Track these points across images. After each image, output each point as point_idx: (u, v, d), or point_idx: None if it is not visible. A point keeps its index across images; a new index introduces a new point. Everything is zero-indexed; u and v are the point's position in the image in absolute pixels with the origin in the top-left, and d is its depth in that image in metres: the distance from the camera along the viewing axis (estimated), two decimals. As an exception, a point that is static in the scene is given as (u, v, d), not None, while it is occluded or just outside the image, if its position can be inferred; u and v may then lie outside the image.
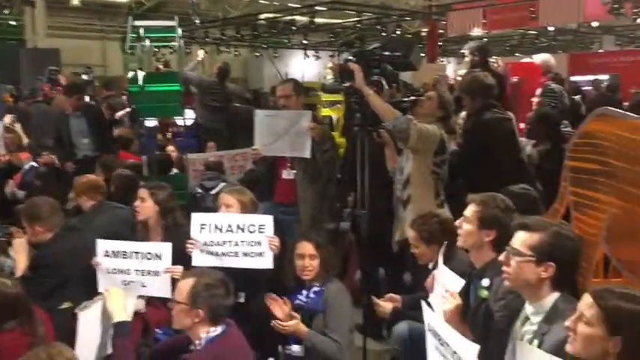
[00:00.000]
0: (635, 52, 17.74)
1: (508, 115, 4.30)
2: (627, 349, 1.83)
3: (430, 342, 2.47)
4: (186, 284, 2.80)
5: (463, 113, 4.44)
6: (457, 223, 2.94)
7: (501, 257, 2.42)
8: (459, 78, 6.90)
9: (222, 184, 5.62)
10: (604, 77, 15.74)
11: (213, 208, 5.09)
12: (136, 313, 3.56)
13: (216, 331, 2.76)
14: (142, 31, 5.72)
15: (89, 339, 3.04)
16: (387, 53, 3.75)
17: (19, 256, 3.73)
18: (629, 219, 2.54)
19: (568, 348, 1.93)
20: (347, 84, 3.85)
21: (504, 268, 2.39)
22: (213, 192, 5.56)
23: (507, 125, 4.20)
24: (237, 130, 7.25)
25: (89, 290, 3.50)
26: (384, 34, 17.63)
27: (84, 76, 9.69)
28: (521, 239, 2.36)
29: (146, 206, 3.78)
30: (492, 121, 4.09)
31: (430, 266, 3.26)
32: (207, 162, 5.79)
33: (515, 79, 6.16)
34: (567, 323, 1.95)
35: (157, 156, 5.78)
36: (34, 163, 6.59)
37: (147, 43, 5.75)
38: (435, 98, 3.86)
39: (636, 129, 2.49)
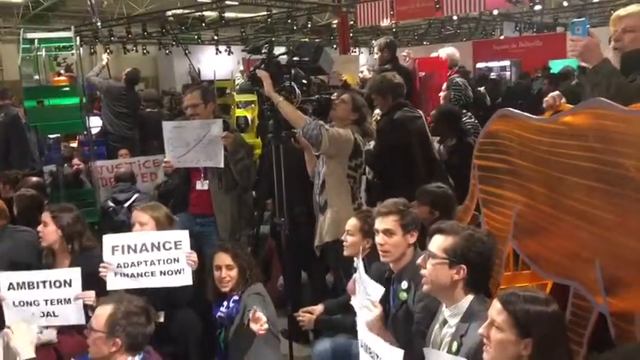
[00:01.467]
0: (533, 37, 18.71)
1: (418, 113, 4.40)
2: (538, 350, 1.91)
3: (362, 357, 2.51)
4: (104, 311, 2.68)
5: (377, 111, 4.50)
6: (379, 240, 2.96)
7: (419, 260, 2.47)
8: (366, 72, 7.07)
9: (136, 195, 5.44)
10: (506, 63, 16.56)
11: (127, 222, 4.93)
12: (48, 344, 3.41)
13: (135, 357, 2.67)
14: (36, 42, 5.38)
15: None
16: (295, 59, 3.71)
17: None
18: (533, 215, 2.66)
19: (485, 357, 1.99)
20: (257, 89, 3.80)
21: (422, 271, 2.44)
22: (127, 204, 5.37)
23: (418, 123, 4.29)
24: (148, 136, 7.03)
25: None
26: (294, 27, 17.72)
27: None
28: (436, 243, 2.42)
29: (49, 231, 3.58)
30: (403, 119, 4.16)
31: (355, 260, 3.28)
32: (118, 173, 5.56)
33: (423, 73, 6.31)
34: (480, 330, 2.01)
35: (63, 170, 5.47)
36: None
37: (42, 53, 5.42)
38: (349, 101, 3.88)
39: (537, 129, 2.60)
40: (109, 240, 3.43)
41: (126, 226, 4.41)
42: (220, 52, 21.07)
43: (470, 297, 2.38)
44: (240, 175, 4.18)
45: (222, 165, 4.13)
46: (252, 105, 7.65)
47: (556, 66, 11.52)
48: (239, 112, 7.88)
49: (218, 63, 17.78)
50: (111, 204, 5.38)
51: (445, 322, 2.43)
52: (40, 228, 3.59)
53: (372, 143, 4.16)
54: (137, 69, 7.79)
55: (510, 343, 1.93)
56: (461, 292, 2.39)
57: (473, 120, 5.18)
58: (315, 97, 3.85)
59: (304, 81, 3.76)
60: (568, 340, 2.09)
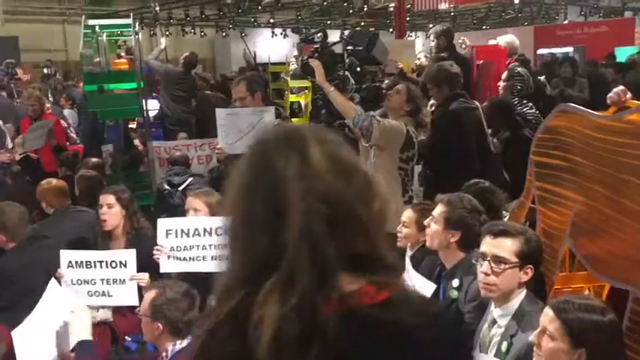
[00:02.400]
0: (598, 23, 17.93)
1: (475, 105, 4.29)
2: (592, 361, 1.85)
3: None
4: (149, 296, 2.77)
5: (431, 102, 4.42)
6: (425, 222, 2.94)
7: (484, 269, 2.36)
8: (423, 59, 6.93)
9: (190, 178, 5.52)
10: (569, 50, 15.93)
11: (182, 205, 5.03)
12: (103, 323, 3.54)
13: (182, 344, 2.74)
14: (97, 28, 5.51)
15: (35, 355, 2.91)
16: (349, 48, 3.68)
17: None
18: (592, 216, 2.56)
19: None
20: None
21: (490, 278, 2.34)
22: (181, 188, 5.46)
23: (474, 115, 4.19)
24: (207, 118, 7.12)
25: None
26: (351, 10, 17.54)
27: (45, 70, 9.39)
28: (505, 246, 2.34)
29: (114, 212, 3.66)
30: (459, 111, 4.07)
31: (408, 251, 3.23)
32: (173, 157, 5.66)
33: (480, 62, 6.15)
34: (531, 338, 1.96)
35: (129, 152, 5.62)
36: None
37: (103, 37, 5.55)
38: (403, 92, 3.81)
39: (600, 127, 2.49)
40: (163, 223, 3.52)
41: (180, 210, 4.50)
42: (276, 34, 21.12)
43: (521, 296, 2.33)
44: None
45: None
46: (306, 90, 7.64)
47: (622, 54, 10.98)
48: (293, 98, 7.88)
49: (273, 46, 17.84)
50: (166, 187, 5.49)
51: (494, 321, 2.38)
52: (104, 210, 3.66)
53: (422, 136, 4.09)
54: (195, 53, 7.91)
55: (563, 353, 1.87)
56: (517, 292, 2.34)
57: (534, 111, 5.01)
58: (364, 86, 3.81)
59: (358, 69, 3.72)
60: (624, 350, 2.01)
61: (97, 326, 3.47)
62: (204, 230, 3.47)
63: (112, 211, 3.67)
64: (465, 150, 3.99)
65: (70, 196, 4.31)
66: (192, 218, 3.59)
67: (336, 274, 0.95)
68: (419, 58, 6.93)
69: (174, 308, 2.70)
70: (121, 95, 4.93)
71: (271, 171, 0.98)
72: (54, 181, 4.36)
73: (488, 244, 2.36)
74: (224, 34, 21.05)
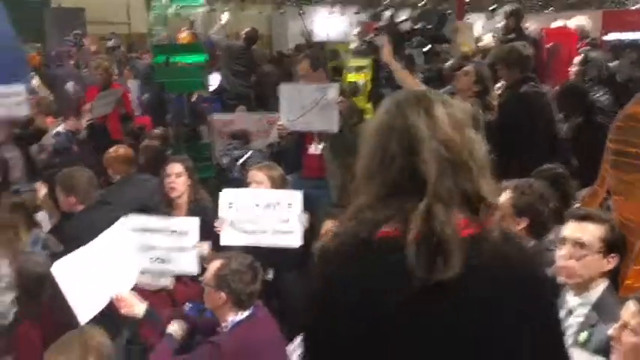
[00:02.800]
0: (674, 8, 17.00)
1: (544, 89, 4.15)
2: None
3: None
4: (214, 266, 2.82)
5: (498, 85, 4.29)
6: None
7: (564, 252, 2.29)
8: (489, 40, 6.73)
9: (249, 152, 5.57)
10: (638, 36, 15.14)
11: (241, 179, 5.07)
12: (163, 290, 3.62)
13: (243, 315, 2.77)
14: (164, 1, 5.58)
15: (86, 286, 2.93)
16: (418, 26, 3.60)
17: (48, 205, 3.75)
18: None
19: (613, 358, 1.87)
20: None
21: (569, 262, 2.27)
22: (240, 162, 5.52)
23: (543, 100, 4.06)
24: (265, 94, 7.15)
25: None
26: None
27: (109, 43, 9.61)
28: (590, 232, 2.27)
29: (182, 181, 3.73)
30: (529, 95, 3.94)
31: None
32: (233, 130, 5.72)
33: (550, 44, 5.92)
34: (611, 332, 1.89)
35: (190, 124, 5.70)
36: (60, 128, 6.63)
37: (172, 9, 5.62)
38: (472, 73, 3.72)
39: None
40: (226, 195, 3.54)
41: (239, 184, 4.54)
42: (334, 12, 20.95)
43: (602, 286, 2.25)
44: (354, 140, 4.15)
45: (336, 130, 4.13)
46: (366, 69, 7.56)
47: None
48: (351, 77, 7.81)
49: (331, 25, 17.68)
50: (225, 161, 5.56)
51: (570, 311, 2.30)
52: (172, 179, 3.72)
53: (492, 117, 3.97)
54: (256, 29, 7.92)
55: None
56: (599, 281, 2.27)
57: (607, 97, 4.81)
58: (427, 67, 3.74)
59: (425, 49, 3.65)
60: None
61: (157, 293, 3.58)
62: (266, 204, 3.49)
63: (179, 180, 3.73)
64: (533, 135, 3.87)
65: (135, 165, 4.41)
66: (255, 191, 3.62)
67: (453, 206, 1.19)
68: (482, 40, 6.74)
69: (239, 279, 2.74)
70: (188, 68, 4.98)
71: (405, 121, 1.25)
72: (121, 148, 4.47)
73: (571, 229, 2.29)
74: (282, 10, 21.01)
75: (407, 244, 1.15)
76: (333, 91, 4.10)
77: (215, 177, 5.46)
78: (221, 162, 5.50)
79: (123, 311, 2.95)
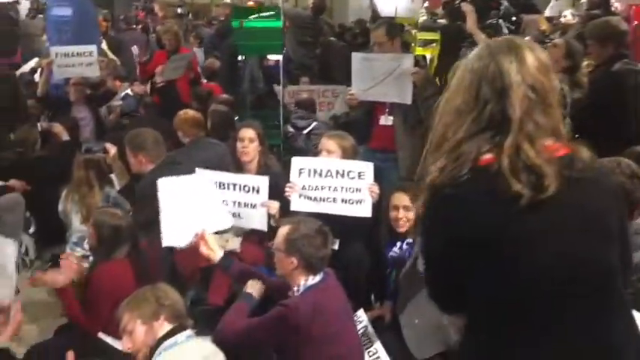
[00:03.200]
0: None
1: (638, 67, 3.89)
2: None
3: None
4: (284, 231, 2.79)
5: (586, 62, 4.06)
6: None
7: None
8: (569, 17, 6.38)
9: (315, 123, 5.51)
10: None
11: (305, 149, 5.03)
12: (231, 253, 3.62)
13: (314, 279, 2.73)
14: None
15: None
16: (506, -6, 3.42)
17: (118, 166, 3.82)
18: None
19: None
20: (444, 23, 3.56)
21: None
22: (305, 131, 5.47)
23: (636, 78, 3.80)
24: (330, 65, 7.05)
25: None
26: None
27: (178, 10, 9.71)
28: None
29: (254, 147, 3.75)
30: (622, 73, 3.70)
31: None
32: (299, 99, 5.65)
33: (636, 22, 5.58)
34: None
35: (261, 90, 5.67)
36: (129, 91, 6.74)
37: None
38: (562, 46, 3.51)
39: None
40: (297, 162, 3.51)
41: (303, 153, 4.49)
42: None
43: None
44: (427, 113, 4.03)
45: (409, 101, 4.01)
46: (434, 44, 7.35)
47: None
48: (419, 51, 7.61)
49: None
50: (290, 129, 5.52)
51: None
52: (245, 143, 3.74)
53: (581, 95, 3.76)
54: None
55: None
56: None
57: None
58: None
59: (514, 18, 3.46)
60: None
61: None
62: (337, 172, 3.44)
63: (252, 145, 3.74)
64: (623, 114, 3.64)
65: (205, 128, 4.41)
66: (326, 159, 3.56)
67: (542, 137, 1.40)
68: (564, 16, 6.40)
69: (309, 244, 2.70)
70: (266, 30, 4.90)
71: (497, 65, 1.44)
72: (190, 111, 4.47)
73: None
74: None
75: (504, 171, 1.34)
76: (408, 62, 3.99)
77: (281, 145, 5.42)
78: (286, 130, 5.45)
79: (202, 251, 2.96)
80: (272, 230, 3.53)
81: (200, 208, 3.01)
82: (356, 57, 4.26)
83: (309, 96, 5.87)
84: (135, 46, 7.76)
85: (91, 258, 3.96)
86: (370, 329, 3.13)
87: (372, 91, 4.14)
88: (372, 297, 3.66)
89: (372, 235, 3.58)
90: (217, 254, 2.99)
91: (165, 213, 2.82)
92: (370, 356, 3.04)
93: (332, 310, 2.69)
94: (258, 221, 3.45)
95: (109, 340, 3.16)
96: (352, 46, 7.89)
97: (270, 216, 3.48)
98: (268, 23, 4.94)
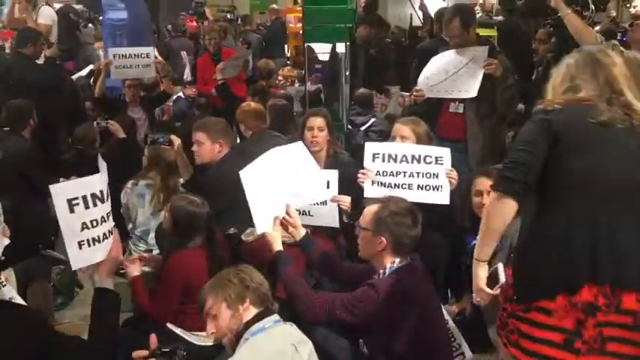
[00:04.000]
0: None
1: None
2: None
3: None
4: (371, 209, 2.66)
5: None
6: None
7: None
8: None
9: (372, 119, 5.39)
10: None
11: (362, 145, 4.88)
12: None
13: (402, 262, 2.59)
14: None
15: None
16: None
17: (181, 158, 3.78)
18: None
19: None
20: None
21: None
22: (363, 128, 5.35)
23: None
24: (384, 66, 6.94)
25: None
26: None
27: (228, 15, 9.79)
28: None
29: (323, 135, 3.68)
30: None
31: None
32: (357, 95, 5.54)
33: None
34: None
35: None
36: (181, 94, 6.76)
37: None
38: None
39: None
40: (370, 147, 3.37)
41: (360, 150, 4.36)
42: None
43: None
44: (504, 103, 3.86)
45: (474, 94, 3.87)
46: (491, 39, 7.16)
47: None
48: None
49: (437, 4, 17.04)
50: (348, 126, 5.40)
51: None
52: (315, 132, 3.67)
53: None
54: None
55: None
56: None
57: None
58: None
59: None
60: None
61: (293, 247, 3.46)
62: (413, 157, 3.28)
63: (321, 134, 3.67)
64: None
65: (266, 121, 4.33)
66: (401, 144, 3.42)
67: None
68: (635, 6, 6.13)
69: (399, 222, 2.57)
70: (337, 10, 4.75)
71: (599, 63, 2.14)
72: (253, 103, 4.41)
73: None
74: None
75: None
76: (481, 54, 3.83)
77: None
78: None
79: (289, 231, 2.86)
80: (344, 226, 3.41)
81: (287, 186, 2.87)
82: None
83: (366, 92, 5.73)
84: (184, 52, 7.78)
85: (154, 252, 3.93)
86: (451, 324, 2.95)
87: (441, 86, 4.00)
88: (449, 292, 3.49)
89: (450, 224, 3.41)
90: (301, 232, 2.85)
91: (253, 202, 2.70)
92: (454, 352, 2.88)
93: (420, 295, 2.54)
94: (329, 217, 3.30)
95: (177, 331, 3.07)
96: (400, 48, 7.80)
97: (342, 212, 3.34)
98: (341, 5, 4.79)
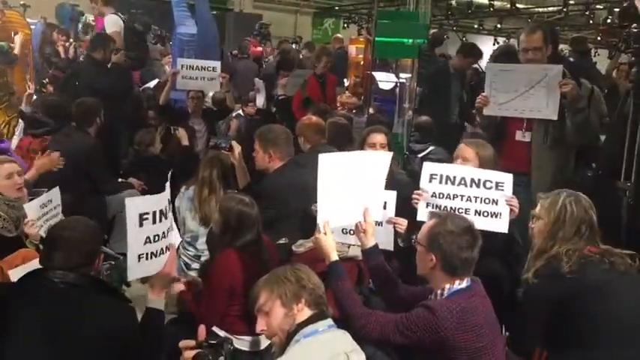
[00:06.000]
0: None
1: None
2: None
3: None
4: (429, 224, 2.56)
5: None
6: None
7: None
8: None
9: (431, 147, 5.31)
10: None
11: (419, 172, 4.79)
12: (352, 259, 3.41)
13: (460, 284, 2.46)
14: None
15: None
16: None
17: (241, 166, 3.80)
18: None
19: None
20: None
21: None
22: (421, 155, 5.27)
23: None
24: (439, 96, 6.87)
25: (305, 229, 3.38)
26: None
27: (293, 45, 10.03)
28: None
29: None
30: None
31: None
32: (419, 121, 5.48)
33: None
34: None
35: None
36: (240, 112, 6.88)
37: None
38: None
39: None
40: (428, 167, 3.27)
41: (417, 176, 4.28)
42: (498, 42, 20.24)
43: None
44: (576, 129, 3.69)
45: (555, 117, 3.71)
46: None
47: None
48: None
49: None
50: (405, 152, 5.34)
51: None
52: (376, 149, 3.63)
53: None
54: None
55: None
56: None
57: None
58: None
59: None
60: None
61: (346, 261, 3.38)
62: (472, 180, 3.16)
63: (383, 151, 3.59)
64: None
65: (325, 136, 4.31)
66: (461, 166, 3.32)
67: None
68: None
69: (452, 242, 2.44)
70: (409, 26, 4.76)
71: None
72: (314, 117, 4.41)
73: None
74: (445, 36, 20.72)
75: None
76: (555, 73, 3.69)
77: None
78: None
79: (360, 237, 2.78)
80: (398, 249, 3.30)
81: (361, 191, 2.77)
82: (492, 68, 4.02)
83: (428, 119, 5.67)
84: (260, 81, 7.96)
85: (202, 258, 3.93)
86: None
87: (511, 104, 3.85)
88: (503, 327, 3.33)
89: (507, 256, 3.27)
90: (371, 240, 2.76)
91: (323, 191, 2.61)
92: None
93: (480, 321, 2.38)
94: (383, 239, 3.16)
95: (221, 334, 3.02)
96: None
97: (397, 234, 3.25)
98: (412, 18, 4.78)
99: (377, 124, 4.28)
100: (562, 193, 2.83)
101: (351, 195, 2.73)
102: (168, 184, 2.46)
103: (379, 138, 3.64)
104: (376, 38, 4.87)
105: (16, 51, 6.36)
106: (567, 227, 2.71)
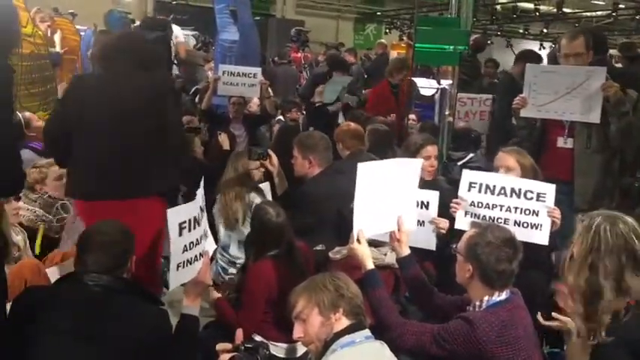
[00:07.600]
0: None
1: None
2: None
3: None
4: (469, 233, 2.54)
5: None
6: None
7: None
8: None
9: (471, 155, 5.24)
10: None
11: (458, 180, 4.75)
12: (389, 267, 3.39)
13: (499, 296, 2.43)
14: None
15: None
16: None
17: (278, 172, 3.81)
18: None
19: None
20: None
21: None
22: (460, 163, 5.21)
23: None
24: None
25: (342, 235, 3.38)
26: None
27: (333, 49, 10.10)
28: None
29: (436, 164, 3.70)
30: None
31: None
32: (457, 129, 5.42)
33: None
34: None
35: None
36: (281, 117, 6.93)
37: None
38: None
39: None
40: (467, 175, 3.23)
41: (455, 184, 4.24)
42: (544, 48, 19.86)
43: None
44: (619, 133, 3.59)
45: (597, 120, 3.61)
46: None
47: None
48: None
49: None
50: (444, 159, 5.28)
51: None
52: (431, 161, 3.64)
53: None
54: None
55: None
56: None
57: None
58: None
59: None
60: None
61: (382, 269, 3.37)
62: (512, 190, 3.10)
63: (436, 163, 3.66)
64: None
65: (364, 143, 4.31)
66: (501, 176, 3.27)
67: None
68: None
69: (489, 253, 2.41)
70: (450, 32, 4.73)
71: None
72: (352, 124, 4.42)
73: None
74: (489, 41, 20.46)
75: None
76: (598, 76, 3.60)
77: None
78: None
79: (394, 245, 2.80)
80: (438, 250, 3.28)
81: (395, 199, 2.77)
82: (532, 69, 3.92)
83: (466, 126, 5.61)
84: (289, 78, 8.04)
85: (238, 263, 3.97)
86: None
87: (550, 106, 3.77)
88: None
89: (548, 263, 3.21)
90: (405, 249, 2.76)
91: (360, 200, 2.60)
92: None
93: (519, 334, 2.34)
94: (424, 238, 3.18)
95: (258, 339, 3.04)
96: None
97: (437, 235, 3.23)
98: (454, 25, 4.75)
99: (429, 132, 4.25)
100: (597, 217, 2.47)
101: (386, 203, 2.73)
102: (200, 191, 2.48)
103: (432, 150, 3.63)
104: (416, 45, 4.84)
105: (58, 49, 6.53)
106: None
